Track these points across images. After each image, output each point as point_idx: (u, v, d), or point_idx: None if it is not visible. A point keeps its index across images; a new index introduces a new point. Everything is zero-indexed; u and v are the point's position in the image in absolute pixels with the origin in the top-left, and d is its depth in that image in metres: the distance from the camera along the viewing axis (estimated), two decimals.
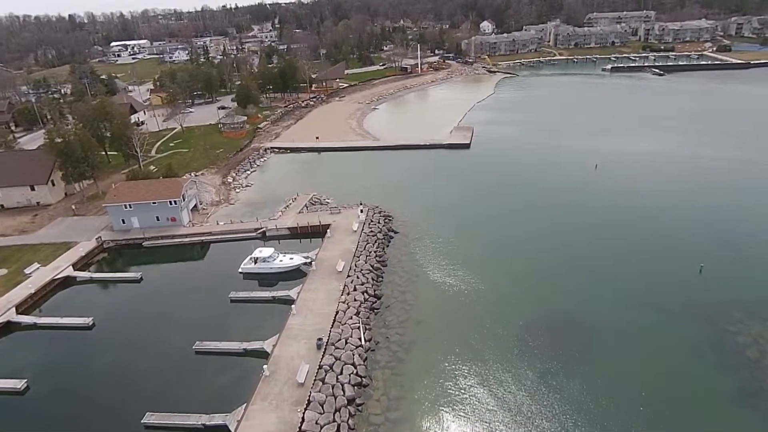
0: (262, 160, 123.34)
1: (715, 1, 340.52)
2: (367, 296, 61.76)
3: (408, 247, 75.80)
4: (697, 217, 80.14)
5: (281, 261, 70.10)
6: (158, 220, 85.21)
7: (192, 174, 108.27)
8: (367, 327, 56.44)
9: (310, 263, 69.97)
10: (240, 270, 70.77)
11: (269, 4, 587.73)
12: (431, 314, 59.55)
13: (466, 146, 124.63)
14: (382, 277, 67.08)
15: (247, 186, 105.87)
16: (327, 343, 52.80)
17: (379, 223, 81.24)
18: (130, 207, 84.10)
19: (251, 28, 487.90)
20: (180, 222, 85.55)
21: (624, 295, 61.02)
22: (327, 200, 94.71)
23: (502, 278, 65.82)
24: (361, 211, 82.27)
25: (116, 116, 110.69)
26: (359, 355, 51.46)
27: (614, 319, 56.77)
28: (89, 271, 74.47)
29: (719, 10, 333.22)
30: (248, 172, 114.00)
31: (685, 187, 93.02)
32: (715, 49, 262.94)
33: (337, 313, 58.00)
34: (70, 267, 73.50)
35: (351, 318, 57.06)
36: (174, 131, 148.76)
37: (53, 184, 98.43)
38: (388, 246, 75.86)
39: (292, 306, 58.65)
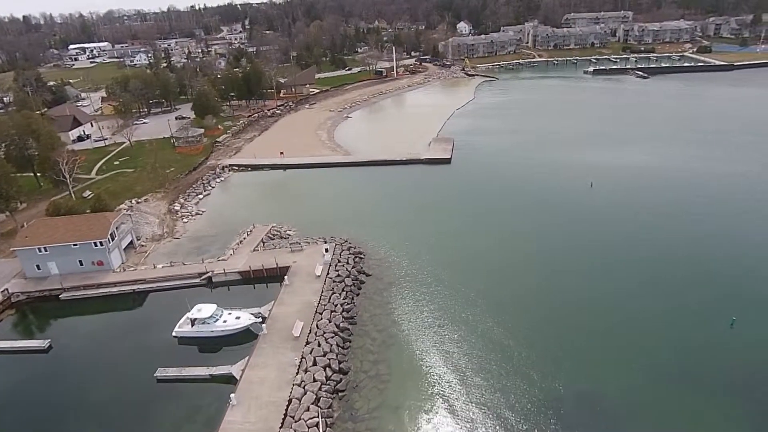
0: (218, 180, 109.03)
1: (692, 1, 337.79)
2: (330, 372, 48.89)
3: (382, 295, 63.18)
4: (719, 252, 68.74)
5: (225, 322, 56.73)
6: (82, 264, 70.78)
7: (133, 201, 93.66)
8: (329, 421, 43.62)
9: (262, 322, 56.85)
10: (174, 333, 57.21)
11: (240, 5, 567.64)
12: (411, 396, 47.10)
13: (447, 161, 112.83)
14: (350, 342, 54.27)
15: (197, 214, 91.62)
16: None
17: (347, 263, 68.44)
18: (46, 250, 69.45)
19: (220, 30, 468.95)
20: (108, 266, 71.19)
21: (646, 360, 49.65)
22: (288, 232, 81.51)
23: (498, 336, 53.78)
24: (326, 250, 69.26)
25: (43, 134, 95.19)
26: None
27: (641, 398, 45.19)
28: None
29: (696, 11, 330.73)
30: (200, 197, 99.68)
31: (700, 213, 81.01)
32: (695, 50, 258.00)
33: (290, 402, 44.98)
34: None
35: (308, 409, 44.10)
36: (122, 146, 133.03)
37: None
38: (357, 295, 63.08)
39: (232, 395, 45.33)
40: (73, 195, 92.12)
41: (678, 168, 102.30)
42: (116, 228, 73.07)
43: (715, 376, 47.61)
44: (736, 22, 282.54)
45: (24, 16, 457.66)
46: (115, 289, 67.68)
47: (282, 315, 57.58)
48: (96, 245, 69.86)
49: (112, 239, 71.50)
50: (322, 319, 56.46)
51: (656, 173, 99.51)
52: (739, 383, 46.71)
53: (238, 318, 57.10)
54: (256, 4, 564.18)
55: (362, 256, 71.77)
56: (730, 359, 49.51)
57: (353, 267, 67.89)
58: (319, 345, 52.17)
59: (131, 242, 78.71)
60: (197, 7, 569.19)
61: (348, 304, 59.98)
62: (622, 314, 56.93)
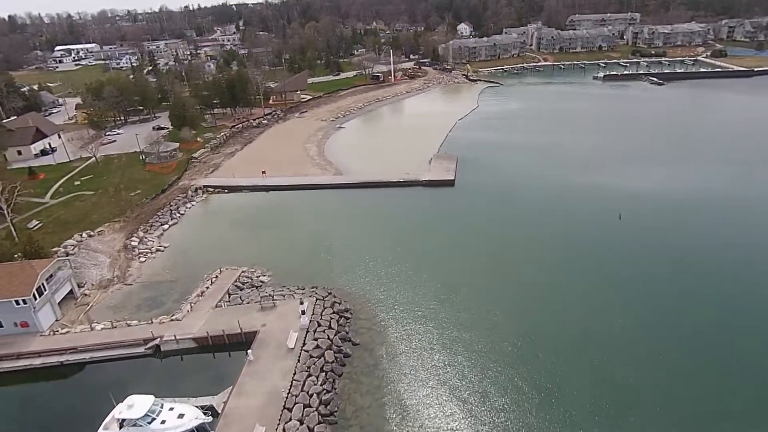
0: (188, 206, 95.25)
1: (702, 2, 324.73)
2: None
3: (372, 376, 49.64)
4: None
5: (163, 422, 43.02)
6: (1, 326, 57.26)
7: (84, 234, 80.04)
8: None
9: (212, 420, 43.37)
10: None
11: (234, 5, 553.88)
12: None
13: (450, 183, 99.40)
14: None
15: (158, 250, 77.95)
16: None
17: (329, 328, 54.98)
18: None
19: (214, 31, 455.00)
20: (36, 327, 57.69)
21: None
22: (262, 278, 67.95)
23: None
24: (303, 312, 55.58)
25: None
26: None
27: None
28: None
29: (706, 13, 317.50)
30: (165, 227, 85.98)
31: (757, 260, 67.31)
32: (709, 54, 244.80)
33: None
34: None
35: None
36: (89, 162, 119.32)
37: None
38: (340, 376, 49.52)
39: None
40: (13, 229, 78.44)
41: (723, 194, 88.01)
42: (46, 280, 59.46)
43: None
44: (750, 24, 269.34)
45: (9, 16, 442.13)
46: (38, 361, 54.13)
47: (239, 411, 44.06)
48: (18, 303, 56.34)
49: (40, 294, 57.90)
50: (291, 420, 42.94)
51: (698, 200, 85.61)
52: None
53: (181, 416, 43.46)
54: (252, 4, 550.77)
55: (348, 315, 58.28)
56: None
57: (336, 333, 54.43)
58: None
59: (71, 291, 65.14)
60: (191, 8, 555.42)
61: (327, 392, 46.41)
62: (663, 394, 43.52)
